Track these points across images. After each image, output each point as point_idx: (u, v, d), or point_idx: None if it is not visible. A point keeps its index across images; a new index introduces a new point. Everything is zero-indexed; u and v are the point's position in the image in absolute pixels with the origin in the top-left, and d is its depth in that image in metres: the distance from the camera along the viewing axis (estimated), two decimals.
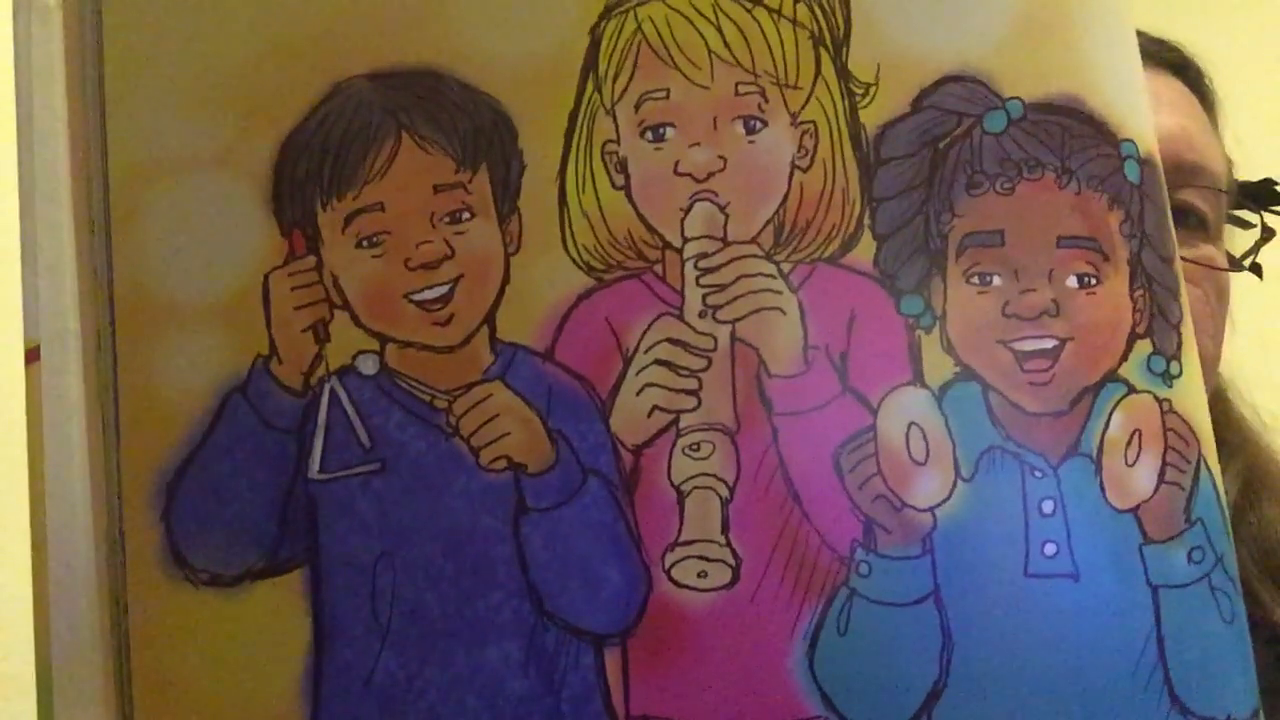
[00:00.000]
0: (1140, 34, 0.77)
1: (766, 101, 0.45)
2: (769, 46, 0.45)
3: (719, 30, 0.44)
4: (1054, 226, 0.44)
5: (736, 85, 0.44)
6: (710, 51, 0.44)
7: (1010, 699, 0.42)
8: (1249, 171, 0.77)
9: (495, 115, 0.44)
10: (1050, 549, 0.43)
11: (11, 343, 0.43)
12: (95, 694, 0.41)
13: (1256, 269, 0.75)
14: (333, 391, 0.43)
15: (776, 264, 0.44)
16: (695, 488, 0.42)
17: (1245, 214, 0.77)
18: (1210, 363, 0.73)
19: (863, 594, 0.42)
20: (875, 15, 0.45)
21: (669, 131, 0.44)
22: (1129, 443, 0.44)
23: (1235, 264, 0.75)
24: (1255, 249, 0.75)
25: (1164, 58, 0.77)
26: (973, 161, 0.45)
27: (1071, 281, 0.44)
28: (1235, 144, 0.79)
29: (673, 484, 0.43)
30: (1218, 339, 0.73)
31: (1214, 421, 0.78)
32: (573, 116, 0.44)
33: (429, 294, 0.43)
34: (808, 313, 0.44)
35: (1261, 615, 0.71)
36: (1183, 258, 0.68)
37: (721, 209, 0.44)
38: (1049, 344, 0.44)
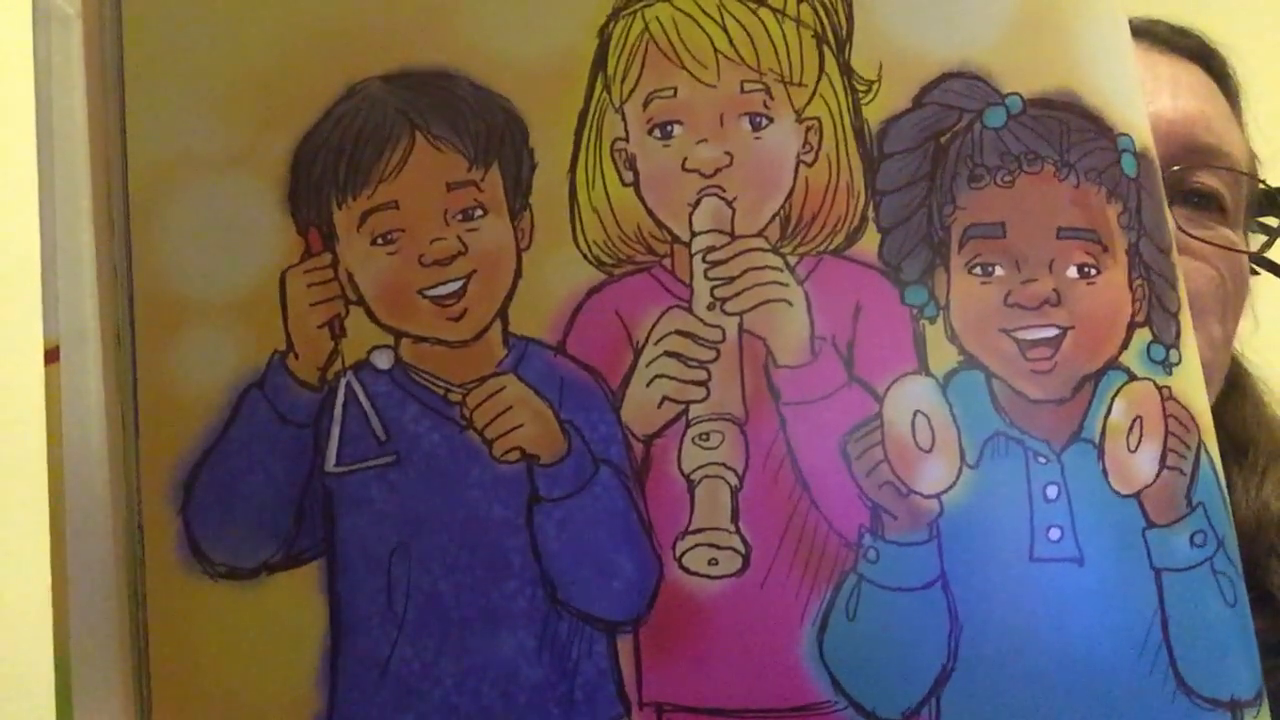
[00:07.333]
0: (1161, 22, 0.78)
1: (772, 99, 0.45)
2: (773, 45, 0.45)
3: (724, 30, 0.45)
4: (1054, 218, 0.45)
5: (742, 83, 0.45)
6: (716, 51, 0.45)
7: (1017, 682, 0.42)
8: (1272, 165, 0.77)
9: (507, 115, 0.44)
10: (1055, 534, 0.43)
11: (31, 342, 0.44)
12: (114, 686, 0.41)
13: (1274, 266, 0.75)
14: (348, 386, 0.43)
15: (783, 257, 0.45)
16: (705, 477, 0.43)
17: (1269, 219, 0.76)
18: (1220, 345, 0.72)
19: (871, 579, 0.42)
20: (877, 14, 0.46)
21: (676, 129, 0.45)
22: (1130, 429, 0.44)
23: (1259, 259, 0.74)
24: (1269, 243, 0.75)
25: (1185, 45, 0.77)
26: (974, 155, 0.45)
27: (1072, 272, 0.45)
28: (1260, 137, 0.79)
29: (683, 473, 0.43)
30: (1228, 322, 0.73)
31: (1250, 428, 0.79)
32: (582, 115, 0.45)
33: (442, 290, 0.44)
34: (814, 304, 0.44)
35: None
36: (1195, 237, 0.69)
37: (729, 204, 0.45)
38: (1051, 332, 0.44)
